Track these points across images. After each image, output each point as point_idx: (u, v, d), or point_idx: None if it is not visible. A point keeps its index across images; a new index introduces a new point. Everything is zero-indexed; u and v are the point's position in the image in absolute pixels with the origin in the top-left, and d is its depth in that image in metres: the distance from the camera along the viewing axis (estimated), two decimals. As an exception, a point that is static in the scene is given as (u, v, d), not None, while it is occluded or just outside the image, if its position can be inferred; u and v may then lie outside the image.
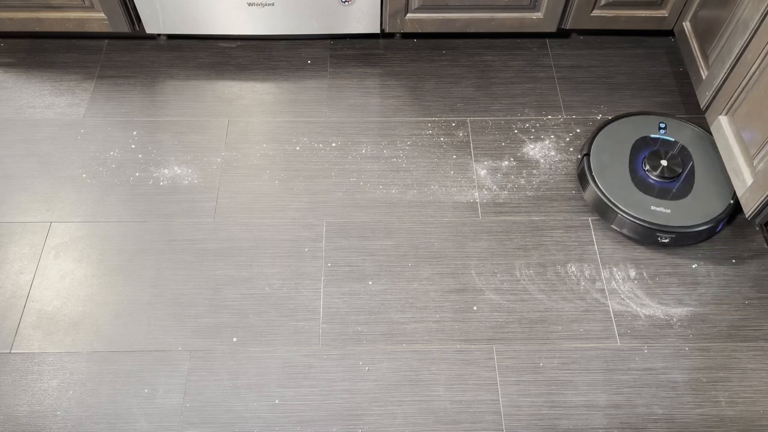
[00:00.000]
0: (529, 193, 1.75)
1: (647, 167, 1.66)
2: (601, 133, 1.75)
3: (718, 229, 1.65)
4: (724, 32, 1.66)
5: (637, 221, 1.60)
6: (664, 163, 1.66)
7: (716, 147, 1.69)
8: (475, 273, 1.61)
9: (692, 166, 1.69)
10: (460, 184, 1.77)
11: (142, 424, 1.40)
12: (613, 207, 1.62)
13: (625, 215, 1.61)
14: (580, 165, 1.72)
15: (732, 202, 1.63)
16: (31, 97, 1.91)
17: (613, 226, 1.64)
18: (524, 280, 1.61)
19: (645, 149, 1.71)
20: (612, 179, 1.66)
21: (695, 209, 1.62)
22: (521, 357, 1.50)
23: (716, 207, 1.63)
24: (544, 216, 1.71)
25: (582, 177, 1.70)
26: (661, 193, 1.64)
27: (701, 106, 1.77)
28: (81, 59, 2.01)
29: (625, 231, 1.63)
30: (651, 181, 1.66)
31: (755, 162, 1.54)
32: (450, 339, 1.52)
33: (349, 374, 1.47)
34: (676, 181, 1.66)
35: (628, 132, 1.76)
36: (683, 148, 1.72)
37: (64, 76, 1.96)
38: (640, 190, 1.65)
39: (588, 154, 1.69)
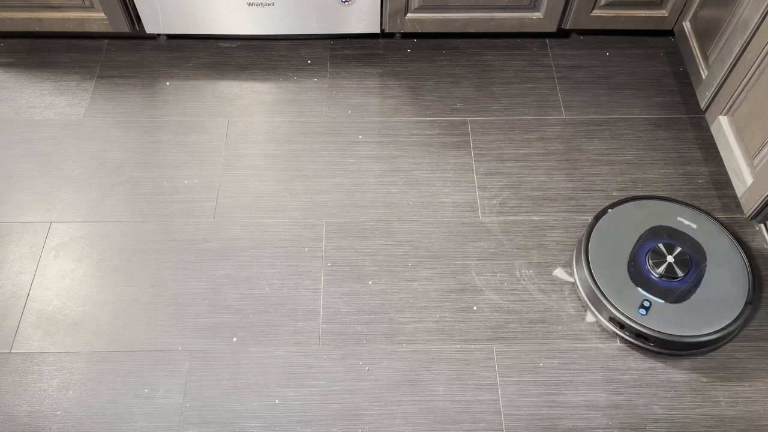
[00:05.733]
0: (528, 193, 1.75)
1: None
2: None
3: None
4: (724, 32, 1.66)
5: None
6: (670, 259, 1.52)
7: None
8: (475, 273, 1.61)
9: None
10: (460, 184, 1.77)
11: (142, 424, 1.40)
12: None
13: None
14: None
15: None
16: (31, 97, 1.91)
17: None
18: (524, 280, 1.61)
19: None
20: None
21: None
22: (521, 357, 1.50)
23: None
24: (544, 216, 1.71)
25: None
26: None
27: (701, 106, 1.77)
28: (81, 59, 2.01)
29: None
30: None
31: (755, 162, 1.55)
32: (450, 339, 1.52)
33: (349, 374, 1.47)
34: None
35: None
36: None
37: (64, 76, 1.97)
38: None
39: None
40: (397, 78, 1.99)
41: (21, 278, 1.59)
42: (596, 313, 1.52)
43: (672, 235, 1.56)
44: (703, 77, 1.76)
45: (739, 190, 1.61)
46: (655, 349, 1.47)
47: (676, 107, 1.93)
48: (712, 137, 1.85)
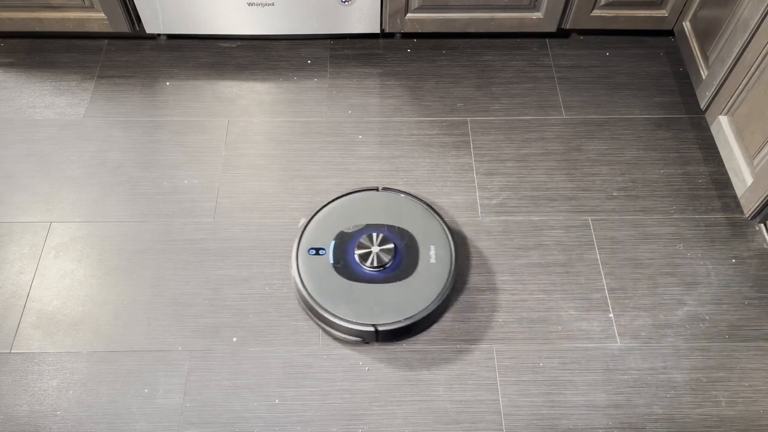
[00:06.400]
0: (528, 193, 1.75)
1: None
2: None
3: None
4: (724, 32, 1.66)
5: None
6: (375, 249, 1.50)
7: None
8: (475, 273, 1.61)
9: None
10: (460, 184, 1.77)
11: (142, 424, 1.40)
12: None
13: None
14: None
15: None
16: (31, 97, 1.91)
17: None
18: (524, 280, 1.61)
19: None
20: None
21: None
22: (521, 357, 1.50)
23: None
24: (544, 216, 1.71)
25: None
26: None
27: (701, 106, 1.78)
28: (81, 59, 2.01)
29: None
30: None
31: (755, 162, 1.55)
32: (450, 339, 1.52)
33: (349, 374, 1.47)
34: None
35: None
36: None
37: (64, 76, 1.97)
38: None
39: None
40: (397, 78, 1.99)
41: (21, 278, 1.59)
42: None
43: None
44: (703, 77, 1.76)
45: (739, 190, 1.61)
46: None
47: (676, 107, 1.93)
48: (712, 137, 1.85)
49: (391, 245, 1.51)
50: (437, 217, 1.58)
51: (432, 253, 1.52)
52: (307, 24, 1.94)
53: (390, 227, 1.55)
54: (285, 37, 2.06)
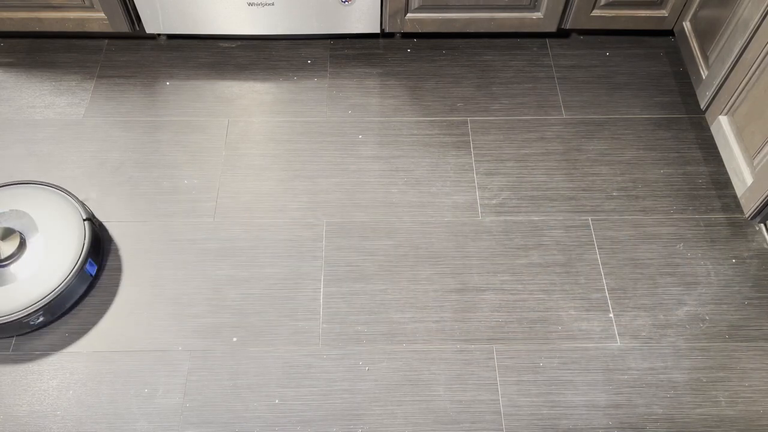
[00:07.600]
0: (528, 193, 1.75)
1: None
2: None
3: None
4: (724, 32, 1.66)
5: None
6: None
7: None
8: (475, 273, 1.61)
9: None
10: (460, 184, 1.77)
11: (142, 424, 1.40)
12: None
13: None
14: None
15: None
16: (31, 97, 1.91)
17: None
18: (524, 280, 1.61)
19: None
20: None
21: None
22: (521, 357, 1.50)
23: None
24: (544, 216, 1.71)
25: None
26: None
27: (701, 106, 1.78)
28: (81, 59, 2.01)
29: None
30: None
31: (755, 162, 1.55)
32: (450, 339, 1.52)
33: (349, 374, 1.47)
34: None
35: None
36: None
37: (64, 76, 1.97)
38: None
39: None
40: (397, 78, 1.99)
41: (21, 278, 1.59)
42: None
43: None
44: (703, 77, 1.76)
45: (739, 190, 1.61)
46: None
47: (676, 107, 1.93)
48: (712, 137, 1.85)
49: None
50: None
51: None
52: (307, 24, 1.94)
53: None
54: (285, 37, 2.06)
